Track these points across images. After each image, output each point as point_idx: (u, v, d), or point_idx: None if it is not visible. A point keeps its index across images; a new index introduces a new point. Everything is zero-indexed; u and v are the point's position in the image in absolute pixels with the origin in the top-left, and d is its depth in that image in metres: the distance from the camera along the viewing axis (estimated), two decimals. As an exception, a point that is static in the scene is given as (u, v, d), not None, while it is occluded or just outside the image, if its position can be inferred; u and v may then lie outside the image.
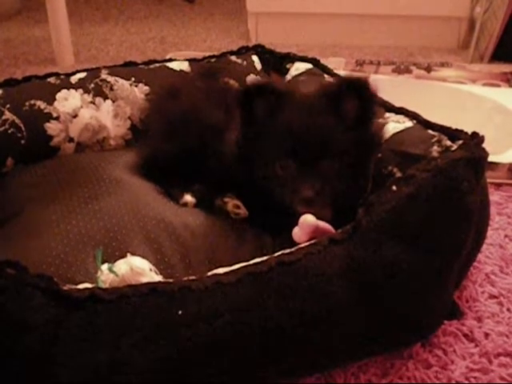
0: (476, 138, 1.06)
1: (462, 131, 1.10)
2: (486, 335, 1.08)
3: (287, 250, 0.93)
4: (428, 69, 2.30)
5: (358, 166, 1.13)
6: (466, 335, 1.08)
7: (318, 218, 1.03)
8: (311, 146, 1.10)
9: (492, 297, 1.17)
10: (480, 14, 2.48)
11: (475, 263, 1.21)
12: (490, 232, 1.23)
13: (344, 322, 0.92)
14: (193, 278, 0.89)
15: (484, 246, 1.21)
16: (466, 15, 2.58)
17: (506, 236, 1.35)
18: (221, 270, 0.92)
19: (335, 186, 1.11)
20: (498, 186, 1.54)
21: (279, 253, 0.93)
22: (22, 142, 1.38)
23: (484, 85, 2.16)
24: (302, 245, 0.95)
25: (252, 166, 1.16)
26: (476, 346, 1.05)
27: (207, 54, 1.70)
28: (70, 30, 2.52)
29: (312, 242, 0.95)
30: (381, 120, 1.24)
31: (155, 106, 1.45)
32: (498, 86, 2.15)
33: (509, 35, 2.38)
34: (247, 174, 1.17)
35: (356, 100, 1.11)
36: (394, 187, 0.97)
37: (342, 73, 1.58)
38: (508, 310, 1.14)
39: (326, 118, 1.11)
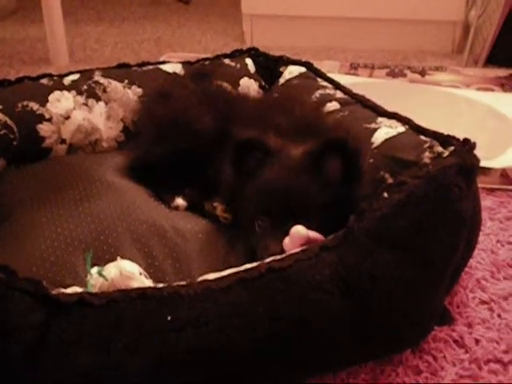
0: (467, 145, 1.05)
1: (453, 137, 1.09)
2: (477, 341, 1.07)
3: (278, 257, 0.93)
4: (422, 73, 2.31)
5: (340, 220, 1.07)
6: (456, 341, 1.07)
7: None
8: (285, 207, 1.09)
9: (483, 302, 1.16)
10: (475, 19, 2.49)
11: (466, 268, 1.20)
12: (481, 237, 1.24)
13: (334, 328, 0.92)
14: (183, 283, 0.89)
15: (475, 252, 1.20)
16: (460, 19, 2.58)
17: (497, 241, 1.35)
18: (211, 276, 0.91)
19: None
20: (491, 191, 1.54)
21: (270, 259, 0.93)
22: (14, 143, 1.38)
23: (478, 89, 2.16)
24: (293, 251, 0.95)
25: (239, 213, 1.18)
26: (466, 352, 1.05)
27: (201, 56, 1.70)
28: (65, 30, 2.52)
29: (303, 248, 0.95)
30: (372, 125, 1.24)
31: (146, 108, 1.45)
32: (492, 90, 2.15)
33: (503, 39, 2.38)
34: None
35: (337, 159, 1.10)
36: (386, 194, 0.96)
37: (336, 76, 1.58)
38: (498, 315, 1.13)
39: (302, 179, 1.10)
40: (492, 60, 2.42)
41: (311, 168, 1.11)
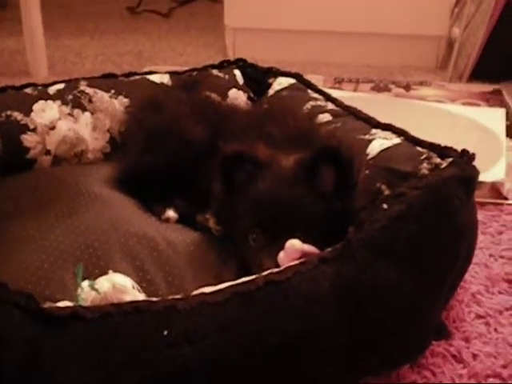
0: (466, 156, 1.05)
1: (451, 148, 1.09)
2: (474, 356, 1.06)
3: (275, 269, 0.91)
4: (407, 87, 2.30)
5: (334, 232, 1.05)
6: (454, 356, 1.06)
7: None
8: (279, 220, 1.07)
9: (479, 317, 1.15)
10: (459, 34, 2.49)
11: (461, 283, 1.19)
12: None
13: (332, 342, 0.90)
14: (178, 297, 0.86)
15: (470, 266, 1.19)
16: (444, 34, 2.59)
17: (490, 255, 1.34)
18: (207, 289, 0.89)
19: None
20: (482, 205, 1.52)
21: (267, 272, 0.90)
22: (-2, 153, 1.35)
23: (463, 104, 2.15)
24: (291, 263, 0.93)
25: (230, 228, 1.16)
26: (464, 367, 1.03)
27: (184, 69, 1.67)
28: (44, 42, 2.49)
29: (302, 260, 0.92)
30: (367, 136, 1.23)
31: (135, 118, 1.42)
32: (478, 105, 2.15)
33: (487, 55, 2.39)
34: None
35: (330, 168, 1.08)
36: (385, 205, 0.95)
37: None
38: (495, 330, 1.12)
39: (297, 191, 1.08)
40: (476, 75, 2.42)
41: (303, 178, 1.08)
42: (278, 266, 0.98)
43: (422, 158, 1.10)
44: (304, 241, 1.01)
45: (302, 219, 1.06)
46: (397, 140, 1.19)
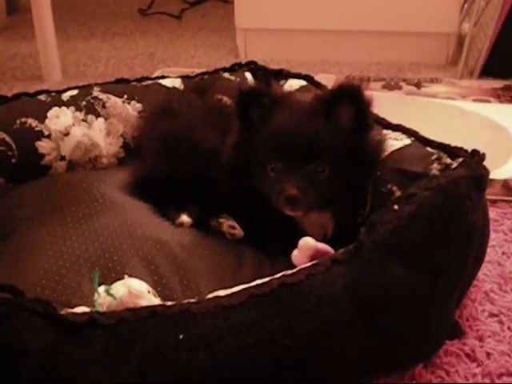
0: (476, 156, 1.05)
1: (461, 149, 1.09)
2: (488, 355, 1.06)
3: (289, 272, 0.92)
4: (418, 85, 2.30)
5: (352, 176, 1.13)
6: (467, 355, 1.06)
7: (319, 231, 1.04)
8: (298, 149, 1.11)
9: (492, 315, 1.15)
10: (469, 30, 2.49)
11: (474, 281, 1.19)
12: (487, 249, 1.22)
13: (346, 343, 0.90)
14: (193, 300, 0.88)
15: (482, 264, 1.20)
16: (454, 31, 2.58)
17: (503, 253, 1.34)
18: (221, 293, 0.90)
19: (322, 188, 1.11)
20: (493, 202, 1.53)
21: (280, 274, 0.91)
22: (13, 160, 1.36)
23: (474, 100, 2.15)
24: (304, 265, 0.94)
25: (248, 170, 1.17)
26: (478, 365, 1.04)
27: (198, 70, 1.68)
28: (56, 46, 2.50)
29: (314, 262, 0.93)
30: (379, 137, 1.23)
31: (148, 124, 1.43)
32: (489, 101, 2.14)
33: (497, 51, 2.38)
34: (244, 178, 1.17)
35: (349, 106, 1.12)
36: (396, 206, 0.96)
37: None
38: (509, 328, 1.12)
39: (316, 122, 1.12)
40: (487, 71, 2.41)
41: (321, 112, 1.13)
42: (298, 193, 1.06)
43: (433, 158, 1.11)
44: (322, 173, 1.10)
45: (319, 149, 1.11)
46: (407, 141, 1.20)
